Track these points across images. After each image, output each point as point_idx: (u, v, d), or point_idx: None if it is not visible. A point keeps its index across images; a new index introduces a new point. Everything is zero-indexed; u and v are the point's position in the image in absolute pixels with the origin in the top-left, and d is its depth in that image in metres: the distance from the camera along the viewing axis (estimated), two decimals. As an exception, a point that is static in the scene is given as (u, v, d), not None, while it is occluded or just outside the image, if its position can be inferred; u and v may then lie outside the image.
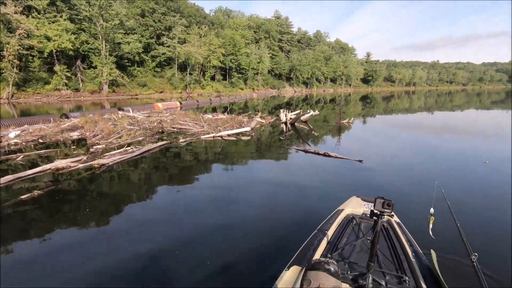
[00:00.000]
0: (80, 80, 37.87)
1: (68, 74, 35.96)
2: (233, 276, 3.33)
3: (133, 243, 4.02)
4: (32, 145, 9.56)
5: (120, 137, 10.55)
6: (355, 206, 3.55)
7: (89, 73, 38.65)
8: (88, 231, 4.38)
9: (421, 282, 2.18)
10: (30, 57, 34.09)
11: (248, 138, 11.75)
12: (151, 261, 3.58)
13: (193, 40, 47.61)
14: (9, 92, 30.84)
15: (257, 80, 62.76)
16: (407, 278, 2.23)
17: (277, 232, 4.34)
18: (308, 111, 18.24)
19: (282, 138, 12.51)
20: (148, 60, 47.28)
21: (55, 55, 35.54)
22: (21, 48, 31.08)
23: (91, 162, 7.31)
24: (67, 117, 14.82)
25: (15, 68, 30.86)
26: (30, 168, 6.82)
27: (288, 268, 2.37)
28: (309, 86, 74.75)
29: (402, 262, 2.46)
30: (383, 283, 2.16)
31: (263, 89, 63.34)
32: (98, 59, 37.98)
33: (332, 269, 1.44)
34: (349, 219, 3.22)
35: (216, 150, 9.93)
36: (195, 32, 49.69)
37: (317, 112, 18.42)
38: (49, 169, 6.86)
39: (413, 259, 2.47)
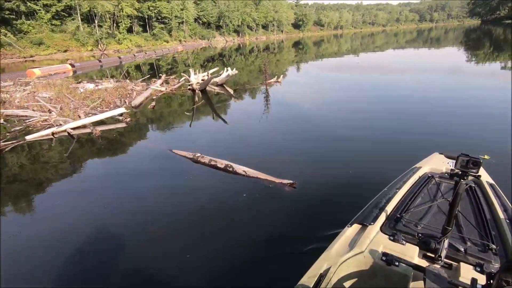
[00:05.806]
0: None
1: None
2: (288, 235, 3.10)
3: None
4: None
5: None
6: (436, 164, 2.85)
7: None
8: None
9: None
10: None
11: (122, 125, 7.88)
12: None
13: (96, -17, 37.35)
14: None
15: (183, 31, 54.33)
16: (494, 246, 1.67)
17: None
18: (226, 69, 14.44)
19: (187, 114, 8.90)
20: (39, 10, 36.08)
21: None
22: None
23: None
24: None
25: None
26: None
27: (351, 225, 2.05)
28: (241, 35, 67.99)
29: (491, 229, 1.84)
30: (462, 249, 1.66)
31: (192, 41, 55.49)
32: (-40, 11, 27.43)
33: None
34: (427, 178, 2.55)
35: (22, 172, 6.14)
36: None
37: (235, 71, 14.46)
38: None
39: (507, 227, 1.83)
